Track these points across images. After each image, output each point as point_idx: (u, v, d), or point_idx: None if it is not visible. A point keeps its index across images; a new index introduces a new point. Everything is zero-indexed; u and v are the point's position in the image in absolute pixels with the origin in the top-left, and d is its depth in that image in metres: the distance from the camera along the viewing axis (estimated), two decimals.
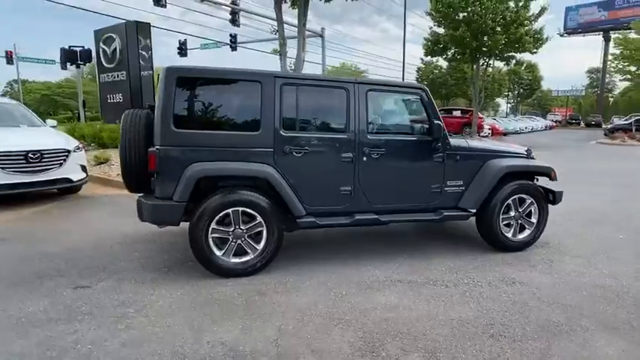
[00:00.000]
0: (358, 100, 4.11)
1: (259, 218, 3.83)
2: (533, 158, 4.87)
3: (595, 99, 66.01)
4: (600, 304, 3.38)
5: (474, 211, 4.41)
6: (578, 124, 50.43)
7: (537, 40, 20.12)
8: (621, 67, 37.19)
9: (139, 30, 12.64)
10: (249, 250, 3.88)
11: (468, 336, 2.88)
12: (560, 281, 3.82)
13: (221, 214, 3.75)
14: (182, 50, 24.90)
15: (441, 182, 4.42)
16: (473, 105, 23.61)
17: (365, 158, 4.12)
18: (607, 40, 51.84)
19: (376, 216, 4.18)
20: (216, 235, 3.79)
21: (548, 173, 4.67)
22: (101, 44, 13.28)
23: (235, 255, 3.86)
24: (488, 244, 4.65)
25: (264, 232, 3.86)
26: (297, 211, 3.91)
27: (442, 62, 34.33)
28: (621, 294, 3.56)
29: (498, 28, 18.88)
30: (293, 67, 11.45)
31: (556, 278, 3.90)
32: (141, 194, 4.09)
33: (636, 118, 27.41)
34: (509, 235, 4.57)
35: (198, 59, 32.24)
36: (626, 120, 29.28)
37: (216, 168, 3.74)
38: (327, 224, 4.05)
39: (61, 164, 6.83)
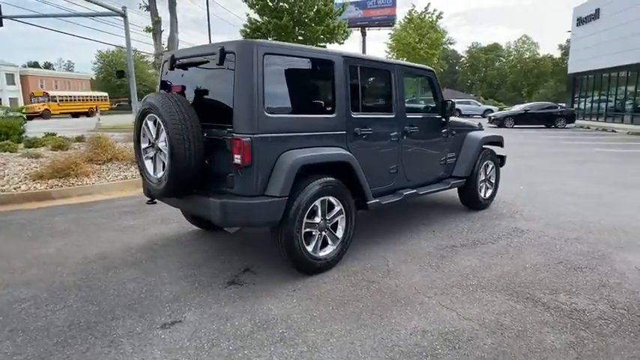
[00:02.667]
0: (399, 80, 4.26)
1: (339, 206, 3.61)
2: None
3: None
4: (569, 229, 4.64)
5: (465, 177, 5.19)
6: None
7: (345, 33, 22.95)
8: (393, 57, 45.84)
9: None
10: (330, 242, 3.62)
11: (555, 272, 3.59)
12: (543, 223, 4.98)
13: (311, 207, 3.38)
14: None
15: (445, 155, 5.02)
16: None
17: (405, 137, 4.32)
18: (364, 34, 62.55)
19: (415, 190, 4.47)
20: (307, 230, 3.40)
21: (502, 142, 5.85)
22: None
23: (320, 249, 3.56)
24: (468, 206, 5.53)
25: (344, 221, 3.67)
26: (368, 194, 3.84)
27: None
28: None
29: (317, 19, 20.66)
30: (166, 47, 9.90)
31: (539, 222, 5.05)
32: (207, 195, 3.26)
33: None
34: (482, 195, 5.56)
35: None
36: None
37: (314, 155, 3.34)
38: (387, 203, 4.11)
39: None
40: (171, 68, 3.74)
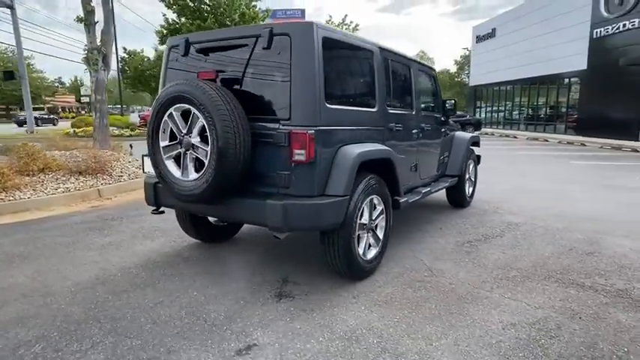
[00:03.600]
0: (416, 76, 4.26)
1: (381, 206, 3.47)
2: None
3: None
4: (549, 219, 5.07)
5: (458, 175, 5.37)
6: None
7: None
8: None
9: None
10: (373, 244, 3.46)
11: (574, 258, 3.85)
12: (528, 216, 5.33)
13: (362, 206, 3.18)
14: None
15: (443, 154, 5.14)
16: None
17: (421, 134, 4.33)
18: None
19: (429, 188, 4.49)
20: (358, 233, 3.20)
21: (479, 142, 6.17)
22: None
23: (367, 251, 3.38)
24: (455, 204, 5.73)
25: (383, 221, 3.53)
26: (401, 192, 3.75)
27: (149, 52, 32.91)
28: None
29: (242, 23, 20.18)
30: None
31: (524, 216, 5.39)
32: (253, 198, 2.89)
33: None
34: (467, 193, 5.79)
35: None
36: None
37: (370, 151, 3.16)
38: (412, 202, 4.05)
39: None
40: (185, 54, 3.29)
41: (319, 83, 2.81)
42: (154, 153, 3.08)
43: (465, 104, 37.46)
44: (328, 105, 2.89)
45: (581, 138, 19.03)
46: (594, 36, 19.60)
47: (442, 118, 5.00)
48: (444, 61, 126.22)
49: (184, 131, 2.93)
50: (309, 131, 2.74)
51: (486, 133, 26.13)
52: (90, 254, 3.93)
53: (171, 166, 3.04)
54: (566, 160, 11.86)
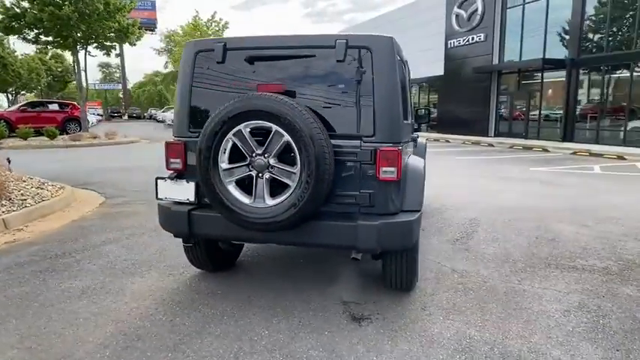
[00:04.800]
0: (409, 82, 4.43)
1: None
2: None
3: (120, 92, 71.82)
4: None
5: None
6: (120, 116, 53.73)
7: (139, 33, 20.72)
8: None
9: None
10: None
11: (555, 245, 4.58)
12: (478, 210, 6.05)
13: None
14: None
15: None
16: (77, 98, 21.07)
17: (413, 143, 4.58)
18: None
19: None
20: None
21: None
22: None
23: None
24: None
25: None
26: None
27: None
28: None
29: (107, 14, 17.97)
30: None
31: (476, 211, 6.09)
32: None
33: None
34: None
35: None
36: None
37: (423, 164, 3.23)
38: None
39: None
40: (222, 61, 2.92)
41: (399, 98, 2.81)
42: (208, 177, 2.67)
43: None
44: (403, 120, 2.90)
45: (444, 135, 22.00)
46: (449, 46, 22.82)
47: (415, 126, 5.34)
48: None
49: (259, 151, 2.62)
50: (397, 147, 2.72)
51: None
52: (76, 305, 3.17)
53: (234, 191, 2.68)
54: (452, 157, 13.62)
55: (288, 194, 2.60)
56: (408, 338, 2.71)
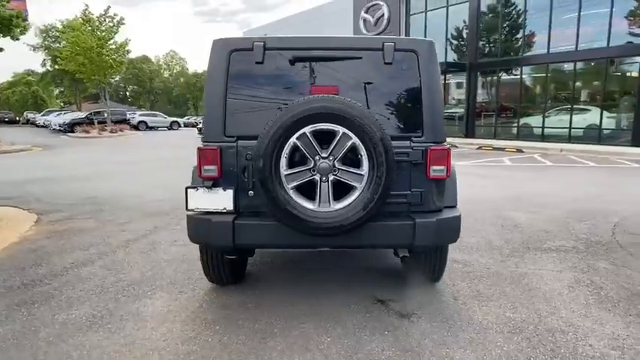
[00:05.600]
0: None
1: None
2: None
3: None
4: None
5: None
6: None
7: (24, 25, 18.17)
8: None
9: None
10: None
11: (523, 231, 5.14)
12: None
13: None
14: None
15: None
16: None
17: None
18: None
19: None
20: None
21: None
22: None
23: None
24: None
25: None
26: None
27: None
28: None
29: None
30: None
31: None
32: None
33: (93, 111, 30.84)
34: None
35: None
36: (78, 116, 31.80)
37: None
38: None
39: None
40: (261, 61, 2.79)
41: (442, 99, 2.95)
42: (269, 184, 2.53)
43: None
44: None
45: None
46: None
47: None
48: (195, 63, 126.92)
49: (324, 154, 2.55)
50: (446, 147, 2.86)
51: None
52: (94, 338, 2.76)
53: (296, 197, 2.58)
54: None
55: (355, 197, 2.59)
56: (462, 327, 2.87)
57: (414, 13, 21.26)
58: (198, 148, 2.83)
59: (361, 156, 2.57)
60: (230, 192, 2.81)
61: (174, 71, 72.94)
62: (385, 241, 2.88)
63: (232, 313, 3.09)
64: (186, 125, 42.59)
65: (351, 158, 2.61)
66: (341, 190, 2.63)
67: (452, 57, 19.93)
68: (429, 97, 2.85)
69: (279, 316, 3.02)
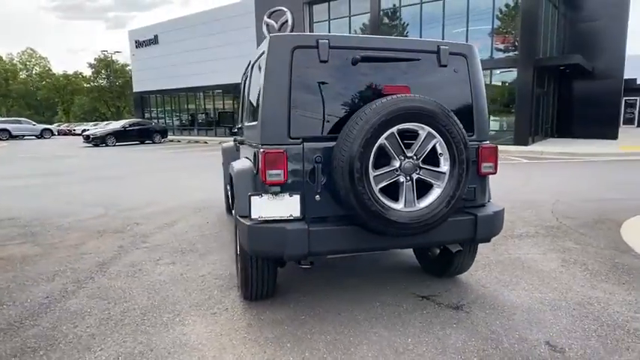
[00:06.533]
0: None
1: None
2: None
3: None
4: None
5: None
6: None
7: None
8: None
9: None
10: None
11: None
12: None
13: None
14: None
15: None
16: None
17: None
18: None
19: None
20: None
21: None
22: None
23: None
24: None
25: None
26: None
27: None
28: None
29: None
30: None
31: None
32: None
33: None
34: None
35: None
36: None
37: None
38: None
39: None
40: (325, 60, 2.71)
41: (486, 100, 3.15)
42: (359, 187, 2.46)
43: (131, 110, 36.20)
44: None
45: None
46: None
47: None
48: (59, 63, 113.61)
49: (409, 154, 2.56)
50: (493, 144, 3.07)
51: (171, 141, 26.54)
52: None
53: (383, 198, 2.55)
54: None
55: (437, 195, 2.64)
56: (512, 312, 3.10)
57: (318, 21, 21.92)
58: (264, 152, 2.61)
59: (441, 154, 2.64)
60: (297, 197, 2.65)
61: (35, 72, 64.03)
62: (452, 236, 2.97)
63: (291, 327, 2.90)
64: (60, 133, 37.89)
65: (430, 157, 2.66)
66: (420, 188, 2.67)
67: None
68: (478, 99, 3.04)
69: (342, 325, 2.92)
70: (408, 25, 19.57)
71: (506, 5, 16.98)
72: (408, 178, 2.61)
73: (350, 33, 20.83)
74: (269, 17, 19.87)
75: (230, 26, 25.08)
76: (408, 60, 2.90)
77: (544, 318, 3.00)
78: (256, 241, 2.68)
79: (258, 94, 2.89)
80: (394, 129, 2.51)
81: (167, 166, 13.17)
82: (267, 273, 3.02)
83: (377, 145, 2.49)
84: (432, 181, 2.66)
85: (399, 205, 2.60)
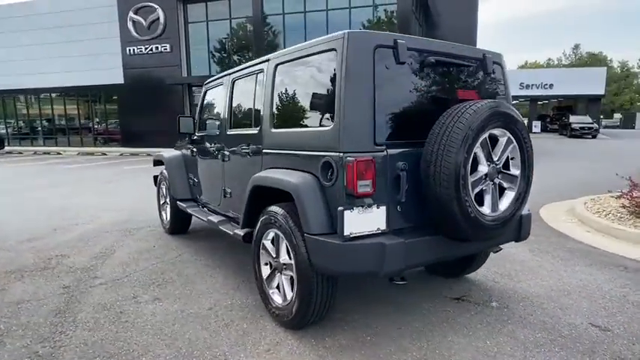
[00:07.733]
0: None
1: None
2: None
3: None
4: None
5: None
6: None
7: None
8: None
9: None
10: None
11: None
12: None
13: None
14: None
15: None
16: None
17: None
18: None
19: None
20: None
21: None
22: None
23: None
24: None
25: None
26: None
27: None
28: None
29: None
30: None
31: None
32: None
33: None
34: None
35: None
36: None
37: None
38: None
39: None
40: (401, 62, 2.59)
41: None
42: (464, 193, 2.40)
43: None
44: None
45: (131, 149, 20.78)
46: (128, 53, 21.53)
47: None
48: None
49: (495, 159, 2.61)
50: None
51: (10, 152, 22.21)
52: None
53: (477, 205, 2.54)
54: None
55: (512, 197, 2.73)
56: (540, 301, 3.39)
57: (194, 22, 20.77)
58: (355, 161, 2.36)
59: (512, 158, 2.74)
60: (383, 209, 2.49)
61: None
62: (506, 237, 3.06)
63: (366, 350, 2.68)
64: None
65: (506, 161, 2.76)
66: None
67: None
68: (510, 102, 3.24)
69: (415, 339, 2.82)
70: (279, 32, 19.79)
71: (369, 21, 18.50)
72: (492, 182, 2.65)
73: (230, 36, 20.32)
74: (135, 13, 18.51)
75: (91, 18, 21.94)
76: (466, 66, 2.95)
77: (567, 303, 3.35)
78: (351, 261, 2.42)
79: (320, 96, 2.67)
80: (486, 134, 2.52)
81: (39, 183, 10.84)
82: (331, 293, 2.74)
83: (474, 150, 2.48)
84: (507, 185, 2.75)
85: (486, 210, 2.62)
